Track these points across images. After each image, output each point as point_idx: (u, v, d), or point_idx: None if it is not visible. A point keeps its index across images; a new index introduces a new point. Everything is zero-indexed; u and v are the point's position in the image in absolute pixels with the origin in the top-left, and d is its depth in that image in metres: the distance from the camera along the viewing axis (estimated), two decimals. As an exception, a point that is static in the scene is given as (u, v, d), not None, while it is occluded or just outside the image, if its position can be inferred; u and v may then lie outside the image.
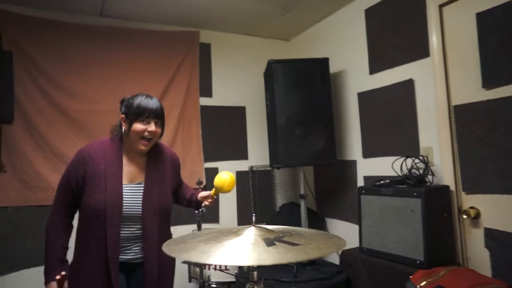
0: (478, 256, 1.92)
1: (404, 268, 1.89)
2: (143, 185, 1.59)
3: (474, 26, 1.90)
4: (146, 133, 1.54)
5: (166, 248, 1.10)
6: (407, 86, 2.27)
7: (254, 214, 1.27)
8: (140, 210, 1.55)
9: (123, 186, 1.55)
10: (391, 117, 2.40)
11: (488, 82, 1.85)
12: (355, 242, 2.29)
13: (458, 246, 1.99)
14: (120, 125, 1.62)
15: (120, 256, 1.53)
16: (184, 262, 2.49)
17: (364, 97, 2.63)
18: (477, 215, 1.93)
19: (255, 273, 1.17)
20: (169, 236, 1.72)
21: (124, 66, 2.82)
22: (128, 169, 1.60)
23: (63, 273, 1.42)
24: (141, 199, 1.56)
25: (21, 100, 2.45)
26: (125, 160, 1.60)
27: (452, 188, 2.00)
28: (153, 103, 1.58)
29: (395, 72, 2.36)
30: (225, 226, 3.10)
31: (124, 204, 1.53)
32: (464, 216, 1.95)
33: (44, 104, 2.53)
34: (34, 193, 2.47)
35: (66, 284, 1.46)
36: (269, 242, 1.04)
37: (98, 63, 2.74)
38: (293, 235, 1.15)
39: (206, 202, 1.69)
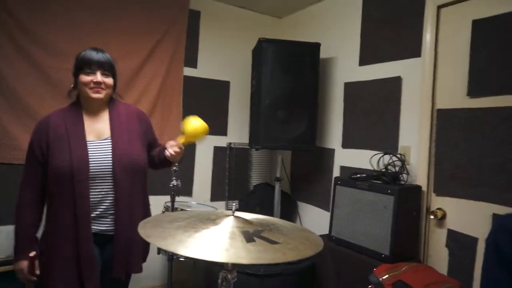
0: (438, 255, 2.03)
1: (369, 260, 1.97)
2: (110, 140, 1.55)
3: (469, 33, 1.90)
4: (92, 84, 1.50)
5: (142, 230, 1.08)
6: (395, 83, 2.28)
7: (234, 205, 1.26)
8: (111, 166, 1.51)
9: (88, 142, 1.51)
10: (374, 111, 2.42)
11: (473, 90, 1.88)
12: (324, 229, 2.36)
13: (421, 244, 2.08)
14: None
15: (93, 227, 1.49)
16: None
17: (351, 88, 2.62)
18: (443, 216, 2.02)
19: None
20: (145, 204, 1.67)
21: (109, 25, 2.65)
22: (91, 125, 1.56)
23: (33, 253, 1.38)
24: (110, 154, 1.52)
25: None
26: (86, 118, 1.56)
27: (424, 188, 2.07)
28: (97, 54, 1.52)
29: (384, 67, 2.36)
30: (198, 200, 3.10)
31: (92, 161, 1.48)
32: (431, 217, 2.03)
33: (16, 56, 2.35)
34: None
35: (36, 263, 1.42)
36: (248, 238, 1.03)
37: (81, 20, 2.55)
38: (272, 229, 1.15)
39: (171, 150, 1.59)
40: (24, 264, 1.43)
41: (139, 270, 1.63)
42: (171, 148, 1.59)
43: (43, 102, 2.42)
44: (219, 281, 1.17)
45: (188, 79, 3.04)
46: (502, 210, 1.72)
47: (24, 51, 2.37)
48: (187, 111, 3.03)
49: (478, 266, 1.81)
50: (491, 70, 1.81)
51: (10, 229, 1.95)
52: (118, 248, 1.54)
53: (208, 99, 3.16)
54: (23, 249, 1.46)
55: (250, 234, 1.07)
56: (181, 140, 1.58)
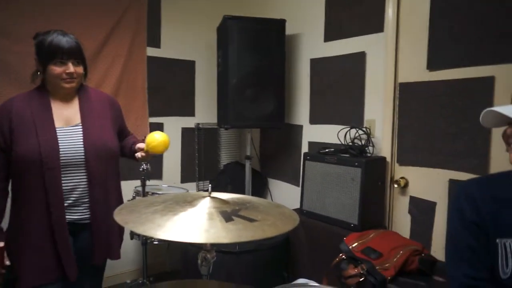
0: (402, 221, 2.16)
1: (339, 231, 2.06)
2: (80, 127, 1.50)
3: (428, 7, 1.97)
4: (64, 75, 1.44)
5: (119, 217, 1.07)
6: (359, 58, 2.33)
7: (210, 185, 1.27)
8: (83, 153, 1.47)
9: (57, 129, 1.45)
10: (340, 87, 2.48)
11: (432, 64, 1.97)
12: (295, 204, 2.43)
13: (386, 212, 2.21)
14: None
15: (66, 216, 1.46)
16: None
17: (317, 64, 2.66)
18: (406, 185, 2.14)
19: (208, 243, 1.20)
20: (118, 190, 1.66)
21: (64, 7, 2.48)
22: (59, 112, 1.49)
23: (2, 243, 1.33)
24: (81, 141, 1.47)
25: None
26: (54, 103, 1.49)
27: (388, 159, 2.18)
28: (66, 40, 1.44)
29: (349, 42, 2.40)
30: (168, 182, 3.07)
31: (62, 148, 1.43)
32: (395, 185, 2.15)
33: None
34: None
35: (5, 254, 1.37)
36: (227, 217, 1.05)
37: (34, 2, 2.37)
38: (248, 208, 1.17)
39: (138, 154, 1.63)
40: None
41: (118, 256, 1.63)
42: (139, 152, 1.62)
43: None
44: (199, 261, 1.19)
45: (152, 60, 2.94)
46: (458, 175, 1.85)
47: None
48: (152, 93, 2.96)
49: (436, 227, 1.96)
50: (449, 44, 1.89)
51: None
52: (98, 235, 1.54)
53: (174, 80, 3.09)
54: None
55: (228, 214, 1.09)
56: (145, 147, 1.60)
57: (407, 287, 1.59)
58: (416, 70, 2.05)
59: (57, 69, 1.42)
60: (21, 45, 2.32)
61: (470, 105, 1.81)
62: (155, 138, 1.55)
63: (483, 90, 1.74)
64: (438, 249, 1.92)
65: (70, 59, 1.43)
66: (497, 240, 0.99)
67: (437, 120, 1.96)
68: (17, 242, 1.42)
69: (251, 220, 1.06)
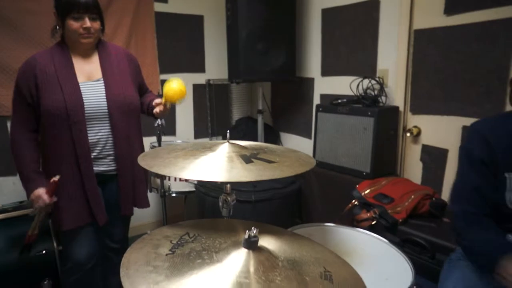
0: (413, 168, 2.20)
1: (352, 179, 2.12)
2: (102, 81, 1.54)
3: None
4: (81, 30, 1.45)
5: (143, 162, 1.12)
6: (373, 6, 2.26)
7: (228, 131, 1.31)
8: (106, 107, 1.52)
9: (80, 84, 1.49)
10: (352, 37, 2.42)
11: (450, 7, 1.91)
12: (308, 156, 2.48)
13: (398, 160, 2.25)
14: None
15: (94, 168, 1.53)
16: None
17: (328, 14, 2.59)
18: (418, 133, 2.16)
19: (228, 186, 1.26)
20: (141, 144, 1.72)
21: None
22: (81, 67, 1.53)
23: (57, 177, 1.42)
24: (104, 95, 1.52)
25: None
26: (75, 59, 1.52)
27: (401, 109, 2.18)
28: None
29: (362, -11, 2.32)
30: (182, 138, 3.13)
31: (86, 102, 1.48)
32: (408, 134, 2.17)
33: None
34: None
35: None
36: (247, 159, 1.10)
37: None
38: (266, 152, 1.22)
39: (156, 109, 1.65)
40: (40, 191, 1.45)
41: (147, 204, 1.72)
42: (157, 107, 1.63)
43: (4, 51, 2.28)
44: (220, 203, 1.26)
45: (160, 16, 2.89)
46: (471, 122, 1.85)
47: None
48: (162, 50, 2.94)
49: (448, 173, 2.00)
50: (468, -15, 1.82)
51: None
52: (124, 186, 1.61)
53: (182, 36, 3.05)
54: (33, 179, 1.47)
55: (247, 157, 1.13)
56: (163, 100, 1.61)
57: (418, 228, 1.65)
58: (432, 15, 1.99)
59: (74, 24, 1.43)
60: (27, 2, 2.30)
61: (487, 49, 1.77)
62: (172, 88, 1.56)
63: (503, 32, 1.70)
64: (449, 194, 1.97)
65: (86, 14, 1.44)
66: (506, 174, 1.05)
67: (452, 66, 1.94)
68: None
69: (269, 161, 1.10)
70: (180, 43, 3.04)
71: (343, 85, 2.45)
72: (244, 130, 3.15)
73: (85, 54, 1.55)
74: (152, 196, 2.92)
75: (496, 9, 1.72)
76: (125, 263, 0.80)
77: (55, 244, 1.92)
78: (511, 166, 1.05)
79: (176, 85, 1.56)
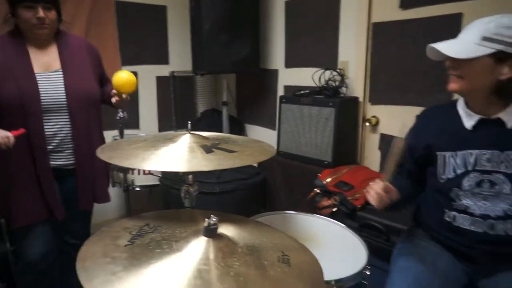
0: (372, 156, 2.30)
1: (314, 168, 2.18)
2: (61, 72, 1.48)
3: None
4: (34, 20, 1.38)
5: (103, 154, 1.10)
6: (333, -1, 2.31)
7: (190, 122, 1.31)
8: (64, 99, 1.46)
9: (37, 74, 1.42)
10: (315, 29, 2.47)
11: (405, 2, 1.99)
12: (273, 147, 2.51)
13: (358, 149, 2.33)
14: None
15: (51, 162, 1.47)
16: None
17: (291, 6, 2.62)
18: (377, 123, 2.25)
19: (190, 176, 1.26)
20: (101, 137, 1.67)
21: None
22: (37, 57, 1.46)
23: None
24: (62, 87, 1.46)
25: None
26: (31, 49, 1.45)
27: (361, 99, 2.26)
28: None
29: (323, -18, 2.36)
30: (146, 132, 3.07)
31: (43, 93, 1.42)
32: (367, 124, 2.25)
33: None
34: None
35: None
36: (207, 149, 1.11)
37: None
38: (228, 142, 1.23)
39: (113, 99, 1.60)
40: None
41: (107, 199, 1.68)
42: (114, 97, 1.58)
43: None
44: (182, 195, 1.26)
45: (121, 5, 2.80)
46: (425, 112, 1.97)
47: None
48: (124, 41, 2.86)
49: (405, 162, 2.11)
50: (420, -19, 1.90)
51: None
52: (82, 181, 1.57)
53: (145, 26, 2.97)
54: None
55: (208, 147, 1.14)
56: (114, 87, 1.56)
57: (375, 213, 1.73)
58: (389, 9, 2.07)
59: (26, 13, 1.36)
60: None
61: (437, 41, 1.87)
62: (122, 77, 1.53)
63: (451, 26, 1.80)
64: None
65: (39, 2, 1.36)
66: (437, 153, 1.20)
67: (408, 58, 2.03)
68: (5, 185, 1.45)
69: (230, 151, 1.12)
70: (142, 34, 2.96)
71: (306, 77, 2.49)
72: (209, 122, 3.15)
73: (42, 45, 1.48)
74: (115, 191, 2.86)
75: (445, 4, 1.82)
76: (82, 256, 0.79)
77: (8, 244, 1.83)
78: (441, 147, 1.19)
79: (126, 74, 1.53)
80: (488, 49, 1.02)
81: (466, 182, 1.14)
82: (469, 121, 1.15)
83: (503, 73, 1.04)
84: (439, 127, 1.22)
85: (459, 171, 1.15)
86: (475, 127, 1.14)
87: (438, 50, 1.12)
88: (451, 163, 1.17)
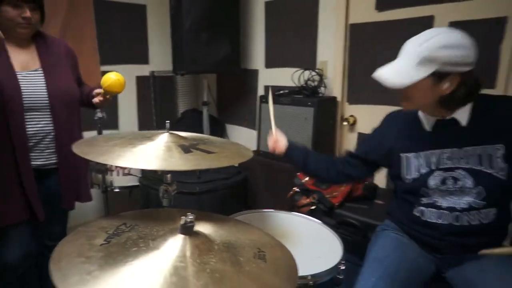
0: (351, 156, 2.34)
1: (293, 167, 2.20)
2: (41, 71, 1.46)
3: None
4: (19, 19, 1.36)
5: (78, 149, 1.08)
6: (313, 0, 2.34)
7: (168, 121, 1.31)
8: (46, 98, 1.44)
9: (17, 72, 1.40)
10: (294, 29, 2.50)
11: (381, 4, 2.05)
12: (252, 147, 2.53)
13: (336, 147, 2.38)
14: None
15: (32, 162, 1.45)
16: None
17: (271, 7, 2.64)
18: (354, 122, 2.30)
19: (168, 176, 1.26)
20: (81, 137, 1.64)
21: None
22: (17, 56, 1.43)
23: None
24: (44, 85, 1.45)
25: None
26: (10, 47, 1.42)
27: (339, 99, 2.30)
28: None
29: (301, -17, 2.40)
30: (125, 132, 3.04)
31: (24, 92, 1.39)
32: (345, 123, 2.30)
33: None
34: None
35: None
36: (185, 149, 1.11)
37: None
38: (206, 143, 1.24)
39: (96, 99, 1.58)
40: None
41: (89, 198, 1.67)
42: (97, 97, 1.57)
43: None
44: (160, 194, 1.26)
45: (99, 4, 2.76)
46: (401, 111, 2.02)
47: None
48: (102, 40, 2.82)
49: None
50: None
51: None
52: (65, 180, 1.55)
53: (124, 26, 2.94)
54: None
55: (186, 147, 1.14)
56: (103, 91, 1.55)
57: (352, 210, 1.78)
58: (365, 10, 2.12)
59: (11, 11, 1.33)
60: None
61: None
62: (110, 77, 1.53)
63: (424, 28, 1.85)
64: (380, 178, 2.13)
65: (27, 2, 1.34)
66: (401, 154, 1.26)
67: (385, 59, 2.07)
68: None
69: (208, 152, 1.13)
70: (122, 33, 2.93)
71: (286, 77, 2.52)
72: (190, 122, 3.13)
73: (20, 44, 1.45)
74: (94, 193, 2.81)
75: (418, 7, 1.88)
76: (56, 256, 0.79)
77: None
78: (403, 149, 1.26)
79: (115, 75, 1.52)
80: (425, 72, 1.08)
81: (432, 181, 1.20)
82: (428, 123, 1.22)
83: (445, 89, 1.10)
84: (402, 130, 1.29)
85: (423, 171, 1.21)
86: (434, 128, 1.21)
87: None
88: (414, 163, 1.23)
